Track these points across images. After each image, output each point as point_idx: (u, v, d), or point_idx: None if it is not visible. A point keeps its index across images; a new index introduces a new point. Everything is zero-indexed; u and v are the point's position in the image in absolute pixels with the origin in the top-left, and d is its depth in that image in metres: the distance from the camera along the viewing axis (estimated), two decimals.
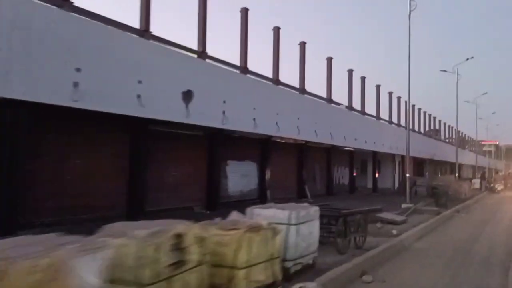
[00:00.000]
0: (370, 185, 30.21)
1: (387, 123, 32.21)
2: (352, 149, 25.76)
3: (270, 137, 17.33)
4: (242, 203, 10.71)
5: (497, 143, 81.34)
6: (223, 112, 13.49)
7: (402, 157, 36.82)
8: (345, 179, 25.97)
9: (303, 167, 20.37)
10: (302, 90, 20.02)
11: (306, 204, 7.22)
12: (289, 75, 33.16)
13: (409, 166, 37.51)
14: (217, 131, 14.11)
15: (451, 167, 56.58)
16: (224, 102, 13.48)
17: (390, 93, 36.89)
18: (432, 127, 49.68)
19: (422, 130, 45.28)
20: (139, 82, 10.48)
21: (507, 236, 11.26)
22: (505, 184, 31.50)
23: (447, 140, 55.82)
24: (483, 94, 45.12)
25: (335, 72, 23.36)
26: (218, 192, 14.73)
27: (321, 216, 7.12)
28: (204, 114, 12.63)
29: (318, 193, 21.92)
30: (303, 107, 18.84)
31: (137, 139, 11.74)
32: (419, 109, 45.22)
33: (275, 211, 6.22)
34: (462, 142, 60.36)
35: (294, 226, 6.03)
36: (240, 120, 14.28)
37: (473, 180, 36.74)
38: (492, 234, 11.47)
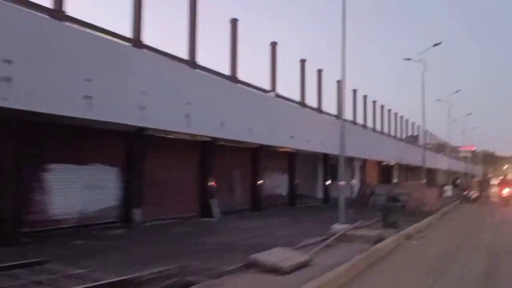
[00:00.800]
0: (321, 194, 24.99)
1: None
2: (294, 151, 20.54)
3: (140, 129, 11.88)
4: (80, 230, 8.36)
5: (475, 148, 79.20)
6: None
7: (365, 161, 31.91)
8: (282, 189, 20.64)
9: (209, 173, 14.92)
10: (192, 62, 14.40)
11: None
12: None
13: (368, 171, 32.62)
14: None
15: (427, 173, 52.35)
16: None
17: (354, 91, 32.10)
18: (411, 134, 47.29)
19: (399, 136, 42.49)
20: None
21: None
22: (481, 191, 26.58)
23: (428, 146, 52.42)
24: (456, 91, 41.10)
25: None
26: (21, 214, 9.13)
27: None
28: None
29: (237, 208, 16.52)
30: (196, 86, 13.45)
31: None
32: (396, 114, 41.30)
33: None
34: (440, 147, 57.11)
35: None
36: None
37: (445, 187, 31.86)
38: None
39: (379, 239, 10.27)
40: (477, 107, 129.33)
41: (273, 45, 19.45)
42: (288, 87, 22.78)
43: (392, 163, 38.14)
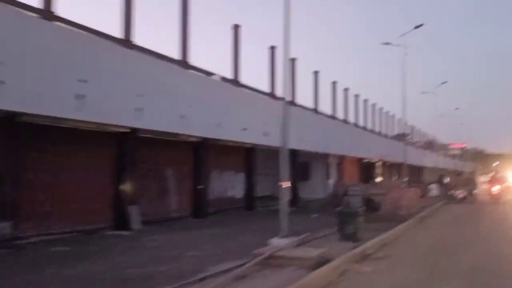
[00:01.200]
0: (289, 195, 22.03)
1: (316, 113, 24.21)
2: (251, 146, 17.61)
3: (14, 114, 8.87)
4: None
5: (465, 146, 79.18)
6: None
7: (342, 158, 29.07)
8: (237, 190, 17.67)
9: (128, 173, 11.88)
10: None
11: None
12: None
13: (347, 169, 29.79)
14: None
15: (413, 171, 49.93)
16: None
17: (334, 83, 29.28)
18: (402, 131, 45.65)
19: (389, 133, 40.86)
20: None
21: None
22: (469, 190, 23.84)
23: (418, 144, 50.10)
24: (442, 83, 40.76)
25: None
26: None
27: None
28: None
29: (172, 215, 13.56)
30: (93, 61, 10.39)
31: None
32: (381, 109, 38.86)
33: None
34: (430, 144, 55.16)
35: None
36: None
37: (430, 186, 29.17)
38: None
39: (321, 263, 7.37)
40: (466, 102, 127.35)
41: (236, 28, 16.78)
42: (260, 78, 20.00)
43: (375, 161, 35.38)
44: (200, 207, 14.63)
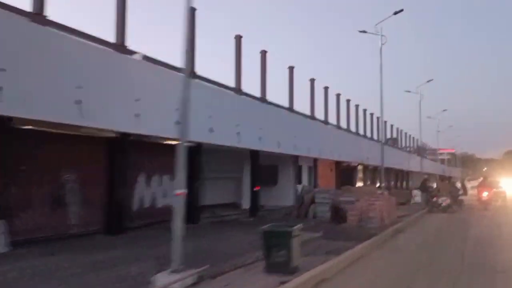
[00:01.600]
0: (248, 203, 19.06)
1: (279, 108, 21.28)
2: (193, 144, 14.62)
3: None
4: None
5: (454, 151, 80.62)
6: None
7: (315, 161, 26.20)
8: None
9: None
10: None
11: None
12: None
13: (322, 173, 26.91)
14: None
15: (400, 175, 47.29)
16: None
17: (312, 80, 26.53)
18: (391, 136, 44.41)
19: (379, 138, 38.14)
20: None
21: None
22: (454, 196, 21.10)
23: (408, 149, 48.02)
24: (443, 110, 46.18)
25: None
26: None
27: None
28: None
29: (72, 231, 10.52)
30: None
31: None
32: (365, 110, 36.50)
33: None
34: (421, 150, 53.86)
35: None
36: None
37: (414, 192, 26.42)
38: None
39: None
40: (457, 106, 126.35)
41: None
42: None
43: (355, 164, 32.56)
44: (116, 221, 11.58)
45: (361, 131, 35.35)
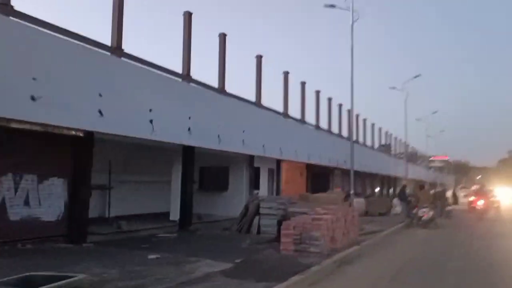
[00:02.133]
0: (178, 213, 15.06)
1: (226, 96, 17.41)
2: (80, 134, 10.72)
3: None
4: None
5: (447, 158, 77.58)
6: None
7: (278, 162, 22.38)
8: (50, 209, 10.52)
9: None
10: None
11: None
12: None
13: (288, 177, 23.22)
14: None
15: (384, 182, 43.53)
16: None
17: (286, 73, 22.97)
18: (384, 142, 43.50)
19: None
20: None
21: None
22: (438, 207, 17.37)
23: (399, 156, 45.93)
24: (433, 112, 44.36)
25: None
26: None
27: None
28: None
29: None
30: None
31: None
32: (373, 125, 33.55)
33: None
34: (413, 156, 53.19)
35: None
36: None
37: (394, 201, 22.63)
38: None
39: None
40: (451, 123, 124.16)
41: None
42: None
43: (331, 168, 28.64)
44: None
45: (345, 134, 31.54)
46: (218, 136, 15.09)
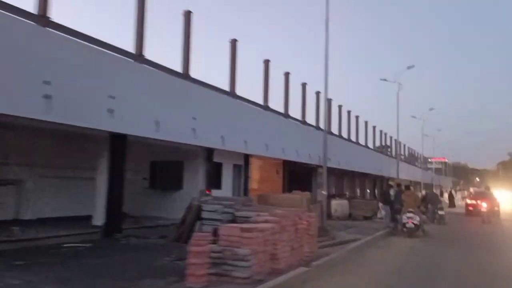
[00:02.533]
0: (103, 217, 12.18)
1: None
2: None
3: None
4: None
5: (446, 160, 77.34)
6: None
7: (246, 158, 19.54)
8: None
9: None
10: None
11: None
12: None
13: (260, 175, 20.48)
14: None
15: (376, 182, 40.72)
16: None
17: (266, 61, 20.12)
18: (384, 143, 41.64)
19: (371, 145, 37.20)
20: None
21: None
22: (428, 212, 14.61)
23: (401, 157, 43.59)
24: (430, 110, 44.63)
25: None
26: None
27: None
28: None
29: None
30: None
31: None
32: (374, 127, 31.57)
33: None
34: (412, 158, 51.65)
35: None
36: None
37: (380, 204, 19.76)
38: None
39: None
40: (450, 123, 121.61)
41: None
42: None
43: (313, 165, 25.73)
44: None
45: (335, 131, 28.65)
46: (156, 122, 12.24)
